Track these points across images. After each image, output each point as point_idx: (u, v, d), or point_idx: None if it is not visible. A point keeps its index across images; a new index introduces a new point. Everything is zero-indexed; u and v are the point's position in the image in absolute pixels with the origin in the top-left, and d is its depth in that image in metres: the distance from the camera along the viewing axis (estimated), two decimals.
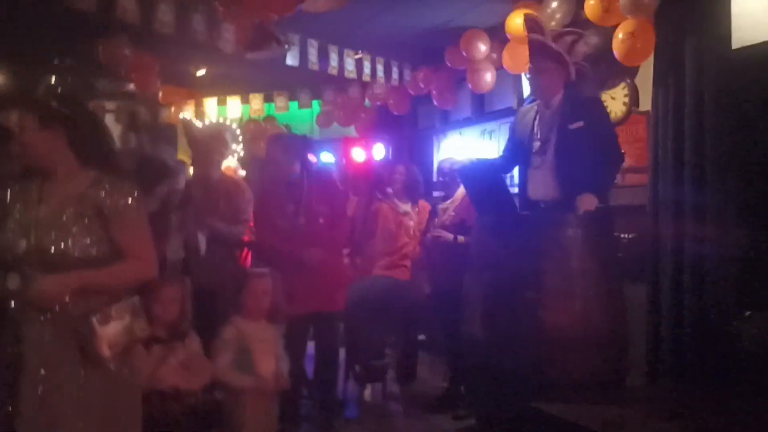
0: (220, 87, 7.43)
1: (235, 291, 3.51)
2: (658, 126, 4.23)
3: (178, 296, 3.33)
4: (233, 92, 7.61)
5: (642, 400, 3.70)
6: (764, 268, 3.83)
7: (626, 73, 4.63)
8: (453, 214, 4.60)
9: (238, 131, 7.86)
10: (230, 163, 7.19)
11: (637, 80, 4.63)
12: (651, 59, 4.30)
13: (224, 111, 7.63)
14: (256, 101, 7.49)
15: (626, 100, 4.68)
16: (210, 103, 7.59)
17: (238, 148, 7.65)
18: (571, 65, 3.87)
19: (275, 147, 4.23)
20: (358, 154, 7.35)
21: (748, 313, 3.78)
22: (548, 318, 3.51)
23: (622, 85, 4.69)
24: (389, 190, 5.21)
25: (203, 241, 4.09)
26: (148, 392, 2.78)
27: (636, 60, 4.36)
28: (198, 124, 6.29)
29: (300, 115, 7.91)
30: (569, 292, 3.55)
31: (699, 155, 4.00)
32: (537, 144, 3.96)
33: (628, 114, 4.68)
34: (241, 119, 7.92)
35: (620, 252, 4.40)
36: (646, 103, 4.51)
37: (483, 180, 3.96)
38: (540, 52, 3.86)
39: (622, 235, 4.54)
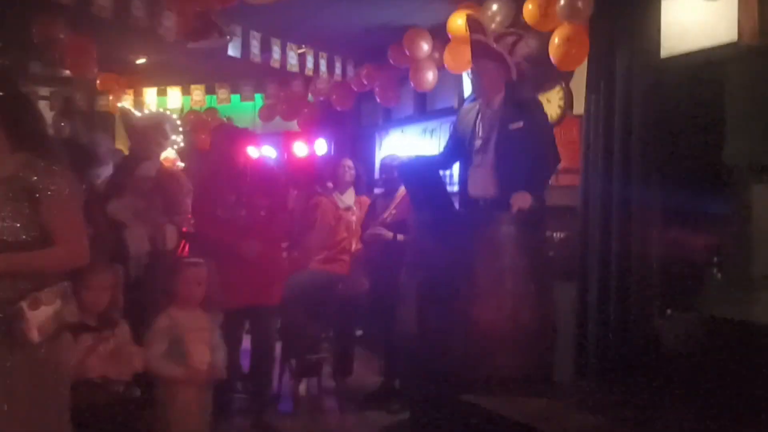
0: (161, 76, 7.30)
1: (169, 280, 3.48)
2: (589, 129, 4.37)
3: (109, 284, 3.29)
4: (174, 82, 7.48)
5: (569, 395, 3.82)
6: (685, 268, 4.02)
7: (561, 77, 4.77)
8: (394, 212, 4.65)
9: (179, 122, 7.74)
10: (169, 155, 7.07)
11: (572, 84, 4.77)
12: (585, 64, 4.45)
13: (164, 101, 7.50)
14: (198, 92, 7.39)
15: (561, 103, 4.82)
16: (150, 93, 7.44)
17: (178, 140, 7.53)
18: (512, 66, 3.96)
19: (219, 138, 4.22)
20: (299, 149, 7.35)
21: (669, 311, 3.97)
22: (481, 315, 3.60)
23: (558, 88, 4.83)
24: (330, 184, 5.24)
25: (138, 231, 4.03)
26: (76, 380, 2.74)
27: (571, 64, 4.49)
28: (137, 113, 6.16)
29: (242, 107, 7.84)
30: (501, 289, 3.64)
31: (627, 158, 4.16)
32: (478, 142, 4.04)
33: (562, 117, 4.82)
34: (181, 110, 7.80)
35: (552, 251, 4.54)
36: (580, 107, 4.66)
37: (421, 177, 4.02)
38: (482, 52, 3.94)
39: (554, 234, 4.68)
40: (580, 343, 4.27)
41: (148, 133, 4.36)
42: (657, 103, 4.08)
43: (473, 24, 4.01)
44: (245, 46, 4.90)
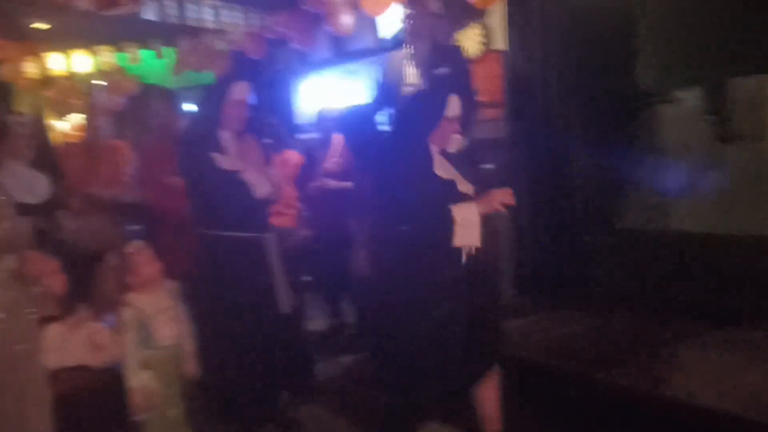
0: (64, 40, 6.96)
1: (116, 265, 3.43)
2: (512, 64, 4.61)
3: (55, 267, 3.23)
4: (79, 45, 7.15)
5: (515, 314, 4.17)
6: (606, 187, 4.39)
7: (480, 13, 4.94)
8: (338, 160, 4.75)
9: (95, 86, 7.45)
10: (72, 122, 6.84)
11: (490, 20, 4.95)
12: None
13: (70, 66, 7.18)
14: (106, 54, 7.10)
15: (481, 39, 5.01)
16: (54, 58, 7.10)
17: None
18: (436, 13, 4.12)
19: (151, 103, 4.14)
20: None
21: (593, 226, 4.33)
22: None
23: (477, 25, 5.00)
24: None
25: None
26: (55, 370, 2.79)
27: (489, 2, 4.67)
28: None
29: (152, 65, 7.60)
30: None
31: (548, 89, 4.44)
32: (407, 89, 4.22)
33: (483, 52, 5.01)
34: (92, 73, 7.48)
35: (485, 183, 4.81)
36: (498, 42, 4.87)
37: (360, 126, 4.17)
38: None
39: (482, 167, 4.94)
40: (517, 264, 4.62)
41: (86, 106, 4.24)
42: (572, 33, 4.35)
43: None
44: (161, 8, 4.79)
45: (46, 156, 3.73)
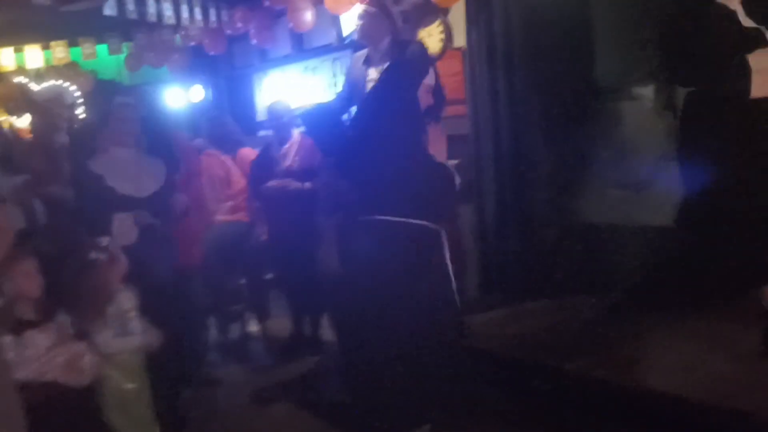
0: (15, 34, 6.76)
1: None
2: (473, 61, 4.67)
3: (32, 270, 3.18)
4: (31, 40, 6.96)
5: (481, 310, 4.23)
6: (568, 180, 4.48)
7: (440, 11, 4.98)
8: (297, 159, 4.73)
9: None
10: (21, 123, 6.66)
11: (451, 18, 5.00)
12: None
13: (22, 60, 6.98)
14: (60, 49, 6.93)
15: (442, 36, 5.04)
16: (3, 53, 6.90)
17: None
18: (395, 12, 4.15)
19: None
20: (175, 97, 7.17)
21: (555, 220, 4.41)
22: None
23: (438, 22, 5.03)
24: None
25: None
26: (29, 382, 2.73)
27: (449, 0, 4.71)
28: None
29: (107, 60, 7.45)
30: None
31: (510, 85, 4.51)
32: (370, 85, 4.22)
33: (444, 50, 5.06)
34: (45, 69, 7.28)
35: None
36: (459, 40, 4.92)
37: (325, 123, 4.16)
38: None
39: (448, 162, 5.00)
40: (484, 262, 4.68)
41: (51, 107, 4.16)
42: (532, 30, 4.43)
43: None
44: (120, 3, 4.71)
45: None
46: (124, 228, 3.58)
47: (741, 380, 2.75)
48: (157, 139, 4.04)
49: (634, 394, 2.87)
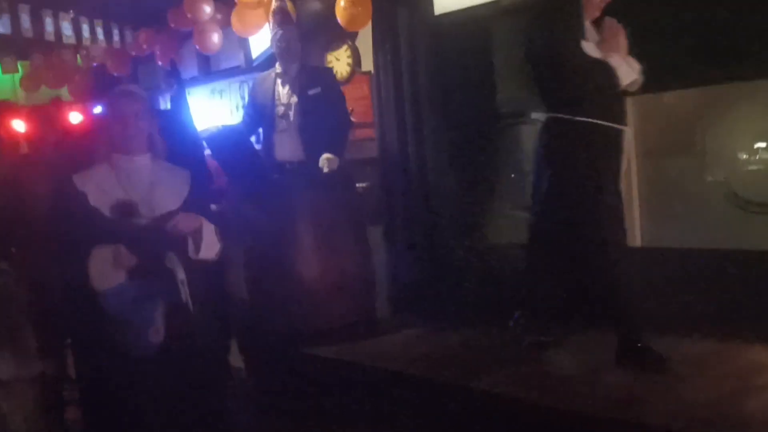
0: None
1: None
2: (380, 85, 4.74)
3: None
4: None
5: (392, 331, 4.26)
6: (475, 202, 4.59)
7: (348, 36, 5.06)
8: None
9: None
10: None
11: (358, 42, 5.08)
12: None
13: None
14: None
15: (350, 61, 5.12)
16: None
17: None
18: (306, 34, 4.20)
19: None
20: (75, 118, 6.91)
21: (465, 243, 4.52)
22: (309, 271, 3.89)
23: (345, 47, 5.11)
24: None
25: None
26: None
27: (357, 25, 4.79)
28: None
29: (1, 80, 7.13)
30: (325, 243, 3.95)
31: (416, 109, 4.61)
32: (280, 108, 4.25)
33: (352, 74, 5.13)
34: None
35: (359, 201, 4.91)
36: (367, 64, 5.00)
37: (233, 146, 4.13)
38: (282, 19, 4.12)
39: (357, 185, 5.04)
40: (393, 281, 4.72)
41: None
42: (436, 56, 4.55)
43: None
44: (14, 20, 4.52)
45: None
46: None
47: (633, 391, 2.88)
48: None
49: (539, 409, 2.95)
